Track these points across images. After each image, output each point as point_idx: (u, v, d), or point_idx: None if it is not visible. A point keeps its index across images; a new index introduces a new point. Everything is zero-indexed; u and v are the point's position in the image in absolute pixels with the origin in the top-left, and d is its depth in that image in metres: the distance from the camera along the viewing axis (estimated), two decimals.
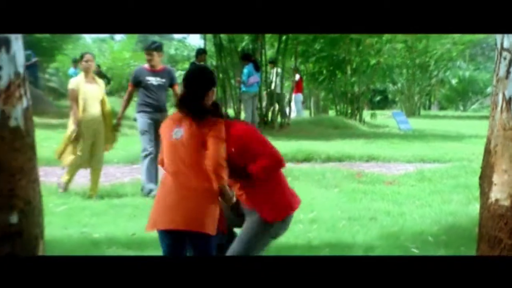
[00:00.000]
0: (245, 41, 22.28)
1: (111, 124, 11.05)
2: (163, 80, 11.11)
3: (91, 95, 10.70)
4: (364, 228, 8.90)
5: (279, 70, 22.45)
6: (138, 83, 11.11)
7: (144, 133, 11.07)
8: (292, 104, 24.81)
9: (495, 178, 3.88)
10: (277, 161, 5.57)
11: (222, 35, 21.93)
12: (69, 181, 11.07)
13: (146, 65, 11.24)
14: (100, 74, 34.45)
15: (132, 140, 18.07)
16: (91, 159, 10.92)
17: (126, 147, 16.18)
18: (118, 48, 51.08)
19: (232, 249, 5.69)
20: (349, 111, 27.50)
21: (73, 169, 10.99)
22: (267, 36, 23.15)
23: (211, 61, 23.68)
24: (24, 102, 4.11)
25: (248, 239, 5.67)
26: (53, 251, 7.27)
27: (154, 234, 7.97)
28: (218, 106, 5.51)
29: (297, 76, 25.62)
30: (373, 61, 26.75)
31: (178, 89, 11.18)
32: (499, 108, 3.87)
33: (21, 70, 4.08)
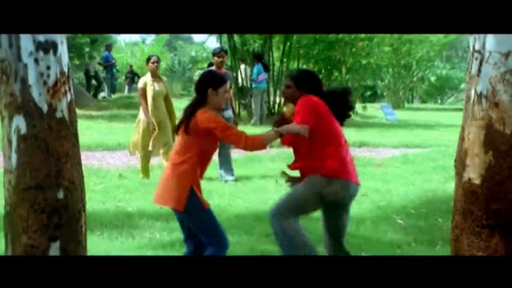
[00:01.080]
0: (255, 43, 22.25)
1: (175, 118, 10.72)
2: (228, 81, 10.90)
3: (157, 92, 10.59)
4: (357, 203, 8.86)
5: (247, 66, 22.31)
6: None
7: None
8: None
9: (468, 161, 3.88)
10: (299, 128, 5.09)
11: (236, 39, 21.93)
12: (145, 174, 10.90)
13: (213, 68, 10.92)
14: (132, 73, 34.54)
15: None
16: (162, 148, 10.76)
17: None
18: (147, 51, 50.97)
19: (281, 199, 5.45)
20: None
21: (144, 161, 10.87)
22: (274, 40, 23.13)
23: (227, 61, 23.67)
24: (68, 97, 4.11)
25: (293, 194, 5.41)
26: (93, 222, 7.31)
27: None
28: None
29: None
30: (364, 62, 26.73)
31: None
32: (471, 101, 3.87)
33: (65, 69, 4.09)
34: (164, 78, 11.10)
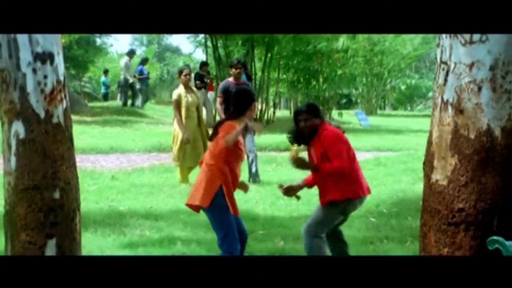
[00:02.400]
0: (238, 54, 22.26)
1: (204, 126, 10.68)
2: None
3: (190, 103, 10.43)
4: None
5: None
6: (226, 93, 10.50)
7: None
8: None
9: (436, 163, 3.91)
10: (341, 168, 5.51)
11: (220, 51, 21.93)
12: (184, 180, 10.60)
13: (230, 79, 10.87)
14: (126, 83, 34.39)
15: (149, 133, 18.08)
16: (196, 158, 10.24)
17: (144, 139, 16.18)
18: (137, 61, 50.83)
19: (310, 218, 5.74)
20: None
21: (182, 170, 10.62)
22: (256, 51, 23.17)
23: (212, 71, 23.63)
24: (64, 103, 4.12)
25: (319, 214, 5.68)
26: (87, 220, 7.28)
27: (166, 207, 7.95)
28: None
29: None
30: (339, 72, 26.83)
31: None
32: (438, 109, 3.89)
33: (61, 78, 4.09)
34: (194, 89, 10.97)
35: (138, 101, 25.42)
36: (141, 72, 25.18)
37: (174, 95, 10.63)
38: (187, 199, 5.36)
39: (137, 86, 25.16)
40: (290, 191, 5.92)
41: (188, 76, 10.60)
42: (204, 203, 5.13)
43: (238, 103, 5.44)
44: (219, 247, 5.32)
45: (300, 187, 5.93)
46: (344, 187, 5.58)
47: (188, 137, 10.28)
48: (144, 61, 26.41)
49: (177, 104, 10.45)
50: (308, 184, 5.89)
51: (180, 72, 10.79)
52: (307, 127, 5.70)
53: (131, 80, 24.84)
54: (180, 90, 10.56)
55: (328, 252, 5.66)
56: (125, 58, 25.41)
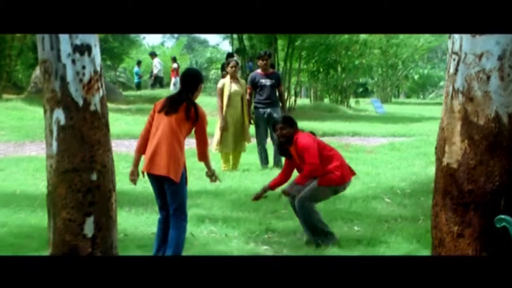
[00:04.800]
0: (262, 45, 22.16)
1: (247, 116, 10.56)
2: (273, 81, 10.53)
3: (233, 92, 10.32)
4: (350, 185, 8.88)
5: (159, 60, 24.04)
6: (255, 85, 10.56)
7: (257, 126, 10.61)
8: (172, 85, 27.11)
9: (447, 148, 3.90)
10: (312, 170, 6.07)
11: (245, 42, 21.88)
12: (228, 166, 10.46)
13: (259, 70, 10.72)
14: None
15: None
16: (235, 145, 10.38)
17: None
18: (168, 53, 50.90)
19: (303, 193, 6.18)
20: (339, 99, 27.50)
21: (224, 155, 10.50)
22: (279, 43, 23.10)
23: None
24: (101, 92, 4.15)
25: (314, 191, 6.18)
26: (122, 200, 7.33)
27: (194, 188, 7.93)
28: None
29: (175, 65, 28.58)
30: (357, 62, 26.76)
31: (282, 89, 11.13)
32: (449, 97, 3.88)
33: (98, 68, 4.12)
34: (242, 80, 10.87)
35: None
36: (250, 70, 25.40)
37: (219, 84, 10.64)
38: (151, 167, 5.33)
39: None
40: (258, 198, 6.47)
41: (234, 68, 10.45)
42: (176, 177, 5.16)
43: (186, 83, 5.43)
44: (177, 217, 5.33)
45: (264, 191, 6.43)
46: (334, 174, 6.17)
47: (226, 124, 10.23)
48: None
49: (220, 92, 10.42)
50: (272, 187, 6.44)
51: (228, 63, 10.75)
52: (283, 135, 6.31)
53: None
54: (226, 79, 10.53)
55: (321, 217, 6.22)
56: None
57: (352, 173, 6.47)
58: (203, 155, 5.51)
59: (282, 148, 6.50)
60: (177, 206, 5.28)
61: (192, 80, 5.43)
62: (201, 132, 5.40)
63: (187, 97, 5.28)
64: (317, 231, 6.15)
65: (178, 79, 28.61)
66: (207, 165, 5.56)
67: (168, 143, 5.15)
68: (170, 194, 5.27)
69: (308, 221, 6.18)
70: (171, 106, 5.24)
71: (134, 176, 5.57)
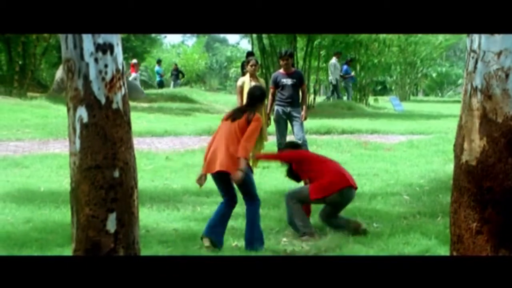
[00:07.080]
0: (282, 44, 22.12)
1: (266, 114, 10.52)
2: (295, 80, 10.44)
3: None
4: (369, 181, 8.92)
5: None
6: (277, 84, 10.52)
7: (277, 124, 10.56)
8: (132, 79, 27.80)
9: (465, 146, 3.87)
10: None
11: (265, 41, 21.84)
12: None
13: (281, 70, 10.63)
14: (177, 70, 34.56)
15: (199, 118, 18.19)
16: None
17: (196, 123, 16.28)
18: (190, 51, 51.05)
19: (291, 191, 6.90)
20: (358, 97, 27.43)
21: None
22: (299, 42, 23.07)
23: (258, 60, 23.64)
24: (123, 91, 4.15)
25: (300, 194, 6.74)
26: (144, 197, 7.37)
27: (215, 186, 7.98)
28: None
29: (134, 60, 29.88)
30: (375, 60, 26.66)
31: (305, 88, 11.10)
32: (468, 95, 3.85)
33: (120, 67, 4.13)
34: (261, 79, 10.85)
35: (348, 96, 26.04)
36: (346, 72, 25.22)
37: (239, 82, 10.67)
38: (211, 168, 6.06)
39: (343, 84, 25.49)
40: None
41: (253, 67, 10.49)
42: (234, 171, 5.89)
43: (256, 97, 6.34)
44: (248, 201, 6.21)
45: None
46: (325, 186, 6.52)
47: None
48: (348, 63, 26.05)
49: (240, 90, 10.43)
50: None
51: (248, 62, 10.77)
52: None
53: (333, 82, 24.75)
54: (246, 78, 10.55)
55: (304, 218, 6.60)
56: (333, 59, 24.83)
57: (350, 183, 6.65)
58: (241, 148, 5.89)
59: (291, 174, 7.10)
60: (246, 193, 6.17)
61: (261, 96, 6.42)
62: (249, 130, 5.97)
63: (251, 108, 6.19)
64: (297, 229, 6.58)
65: (137, 74, 30.25)
66: (240, 160, 5.88)
67: (225, 144, 5.91)
68: (237, 186, 6.14)
69: (291, 218, 6.64)
70: (238, 113, 6.15)
71: (201, 181, 6.29)
